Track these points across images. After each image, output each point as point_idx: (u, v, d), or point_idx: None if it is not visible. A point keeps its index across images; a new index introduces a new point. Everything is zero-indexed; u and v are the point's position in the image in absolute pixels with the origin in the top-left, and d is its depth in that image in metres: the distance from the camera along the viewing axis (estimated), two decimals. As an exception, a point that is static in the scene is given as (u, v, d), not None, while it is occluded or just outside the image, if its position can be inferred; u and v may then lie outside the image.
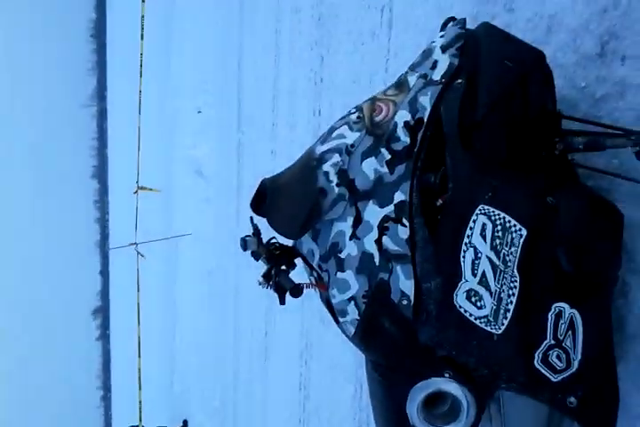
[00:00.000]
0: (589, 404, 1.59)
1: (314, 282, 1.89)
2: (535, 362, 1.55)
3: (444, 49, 1.80)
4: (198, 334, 9.61)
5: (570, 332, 1.55)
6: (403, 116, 1.74)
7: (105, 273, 23.70)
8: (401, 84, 1.84)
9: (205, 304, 9.36)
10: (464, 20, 1.89)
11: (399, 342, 1.76)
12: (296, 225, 1.76)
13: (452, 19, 1.93)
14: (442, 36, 1.86)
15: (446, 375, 1.73)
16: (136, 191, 10.09)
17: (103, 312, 24.78)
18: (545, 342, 1.54)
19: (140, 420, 9.37)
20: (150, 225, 11.01)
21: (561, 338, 1.54)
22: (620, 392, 1.63)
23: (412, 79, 1.81)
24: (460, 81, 1.74)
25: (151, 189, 9.92)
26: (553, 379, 1.56)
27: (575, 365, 1.56)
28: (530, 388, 1.60)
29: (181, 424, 10.55)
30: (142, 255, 10.73)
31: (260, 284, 1.85)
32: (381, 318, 1.74)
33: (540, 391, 1.59)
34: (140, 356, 9.45)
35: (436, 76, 1.76)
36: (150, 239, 10.59)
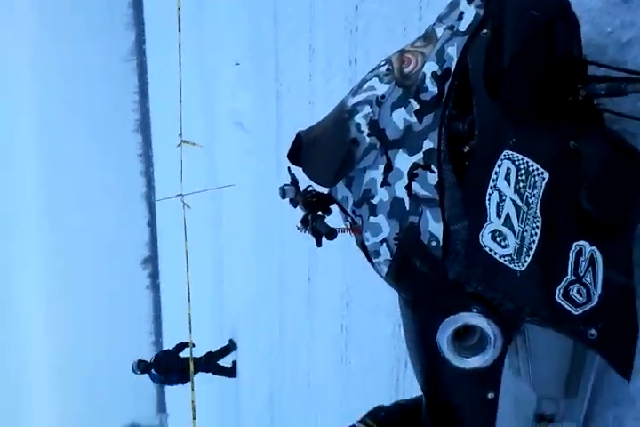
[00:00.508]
0: (609, 336, 1.70)
1: (348, 226, 2.02)
2: (556, 296, 1.66)
3: (469, 0, 1.85)
4: (245, 280, 9.93)
5: (590, 268, 1.65)
6: (431, 67, 1.82)
7: (152, 224, 24.32)
8: (429, 36, 1.90)
9: (251, 252, 9.65)
10: None
11: (429, 279, 1.89)
12: (330, 173, 1.88)
13: None
14: (467, -12, 1.90)
15: (474, 310, 1.86)
16: (180, 144, 10.30)
17: (152, 262, 25.59)
18: (566, 277, 1.65)
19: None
20: (194, 177, 11.27)
21: (581, 274, 1.65)
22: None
23: (440, 31, 1.88)
24: (485, 31, 1.79)
25: (194, 144, 10.11)
26: (574, 312, 1.67)
27: (595, 299, 1.67)
28: (552, 321, 1.72)
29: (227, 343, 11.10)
30: (188, 206, 11.01)
31: (298, 228, 1.99)
32: (412, 258, 1.87)
33: (562, 324, 1.71)
34: (189, 301, 9.86)
35: (463, 27, 1.82)
36: (195, 191, 10.85)
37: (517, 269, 1.67)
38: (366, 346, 4.64)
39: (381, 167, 1.85)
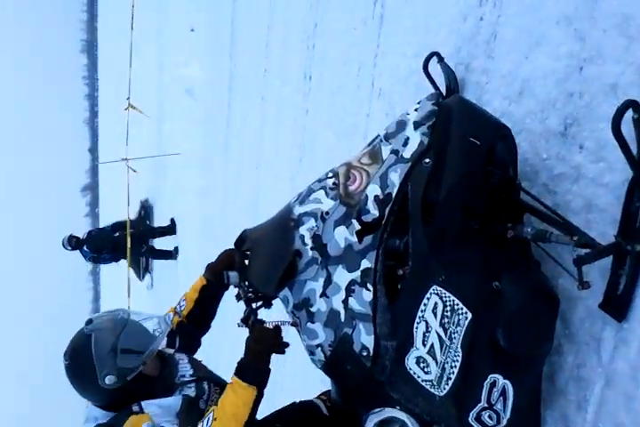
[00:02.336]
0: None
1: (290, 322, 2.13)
2: (469, 419, 1.82)
3: (416, 125, 1.92)
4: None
5: (501, 398, 1.81)
6: (373, 190, 1.90)
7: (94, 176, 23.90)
8: (375, 154, 1.98)
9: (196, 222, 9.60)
10: (438, 94, 2.00)
11: (359, 380, 2.03)
12: (272, 283, 1.98)
13: (435, 54, 2.01)
14: (416, 110, 1.97)
15: (397, 407, 2.03)
16: (127, 108, 10.07)
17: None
18: (479, 404, 1.81)
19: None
20: (140, 143, 11.09)
21: (493, 402, 1.81)
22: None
23: (386, 152, 1.95)
24: (427, 160, 1.88)
25: (141, 112, 9.88)
26: (483, 433, 1.84)
27: (504, 422, 1.84)
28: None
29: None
30: (134, 170, 10.87)
31: (238, 325, 2.08)
32: (344, 362, 2.00)
33: (472, 438, 1.88)
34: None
35: (407, 153, 1.90)
36: (140, 156, 10.70)
37: (437, 393, 1.82)
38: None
39: (321, 280, 1.96)
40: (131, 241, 9.30)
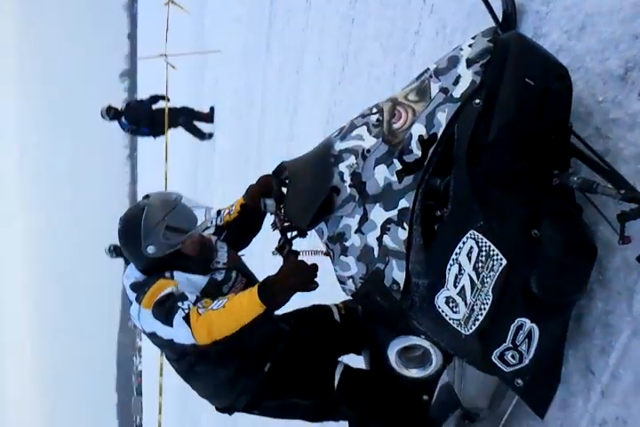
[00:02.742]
0: (533, 387, 1.94)
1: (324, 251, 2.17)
2: (493, 357, 1.87)
3: (469, 63, 1.85)
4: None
5: (526, 340, 1.85)
6: (418, 129, 1.86)
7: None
8: (423, 91, 1.92)
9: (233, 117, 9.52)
10: (495, 29, 1.90)
11: (387, 311, 2.09)
12: (308, 217, 2.00)
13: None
14: (470, 46, 1.88)
15: (422, 336, 2.11)
16: (167, 3, 9.76)
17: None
18: (504, 344, 1.85)
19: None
20: (180, 39, 10.82)
21: (518, 344, 1.85)
22: (562, 374, 1.99)
23: (434, 89, 1.89)
24: (478, 101, 1.82)
25: (182, 8, 9.57)
26: (505, 369, 1.90)
27: (526, 362, 1.89)
28: (485, 371, 1.96)
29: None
30: (173, 66, 10.73)
31: (273, 253, 2.13)
32: (374, 294, 2.05)
33: (494, 374, 1.95)
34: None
35: (457, 93, 1.84)
36: (180, 52, 10.51)
37: (463, 332, 1.86)
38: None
39: (357, 217, 1.97)
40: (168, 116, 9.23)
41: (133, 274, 2.30)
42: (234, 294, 2.11)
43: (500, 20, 2.42)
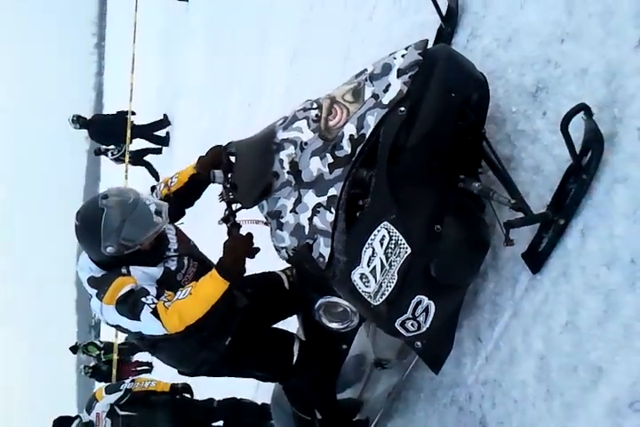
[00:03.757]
0: (429, 348, 2.31)
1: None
2: (395, 324, 2.22)
3: (399, 73, 2.09)
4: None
5: (424, 313, 2.19)
6: (350, 129, 2.12)
7: None
8: (358, 93, 2.16)
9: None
10: (426, 42, 2.12)
11: (314, 276, 2.43)
12: (250, 198, 2.29)
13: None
14: (403, 56, 2.11)
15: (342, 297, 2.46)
16: None
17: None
18: (405, 315, 2.19)
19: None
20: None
21: (417, 315, 2.20)
22: (458, 338, 2.38)
23: (368, 93, 2.13)
24: (402, 109, 2.07)
25: None
26: (406, 334, 2.26)
27: (424, 329, 2.25)
28: (391, 335, 2.32)
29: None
30: None
31: (219, 223, 2.42)
32: (303, 263, 2.38)
33: (398, 337, 2.32)
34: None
35: (385, 100, 2.09)
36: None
37: (372, 302, 2.20)
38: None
39: (292, 199, 2.26)
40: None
41: (88, 265, 2.42)
42: (188, 281, 2.36)
43: (445, 15, 2.63)
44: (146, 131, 11.54)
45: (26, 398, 24.33)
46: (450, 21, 2.67)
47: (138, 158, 11.58)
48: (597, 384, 1.75)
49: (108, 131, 10.88)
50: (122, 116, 10.94)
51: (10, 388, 24.45)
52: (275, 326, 2.87)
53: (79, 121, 10.83)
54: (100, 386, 4.44)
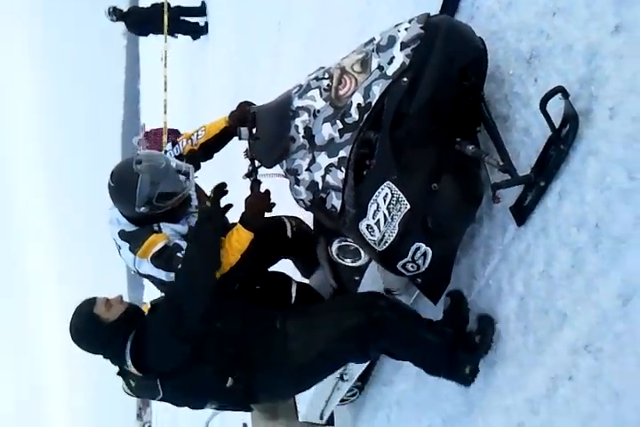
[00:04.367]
0: (428, 285, 2.67)
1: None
2: (397, 266, 2.56)
3: (402, 46, 2.29)
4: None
5: (422, 257, 2.51)
6: (357, 98, 2.36)
7: None
8: (365, 64, 2.38)
9: None
10: (427, 15, 2.28)
11: (328, 222, 2.75)
12: (271, 160, 2.59)
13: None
14: (406, 29, 2.29)
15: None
16: None
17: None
18: (405, 259, 2.52)
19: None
20: None
21: (416, 259, 2.53)
22: (456, 272, 2.71)
23: (374, 64, 2.35)
24: (405, 79, 2.29)
25: None
26: (407, 274, 2.61)
27: (423, 269, 2.59)
28: (394, 274, 2.67)
29: None
30: None
31: (243, 177, 2.72)
32: (318, 211, 2.70)
33: (399, 275, 2.66)
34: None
35: (390, 71, 2.30)
36: None
37: (377, 248, 2.54)
38: None
39: (307, 160, 2.54)
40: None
41: (119, 220, 2.72)
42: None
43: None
44: (184, 24, 11.63)
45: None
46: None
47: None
48: (562, 327, 2.08)
49: (145, 21, 11.05)
50: (158, 7, 11.01)
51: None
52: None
53: (115, 13, 10.98)
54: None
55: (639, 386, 1.78)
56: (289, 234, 3.18)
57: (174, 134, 10.42)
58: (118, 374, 2.66)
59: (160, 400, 2.67)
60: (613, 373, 1.87)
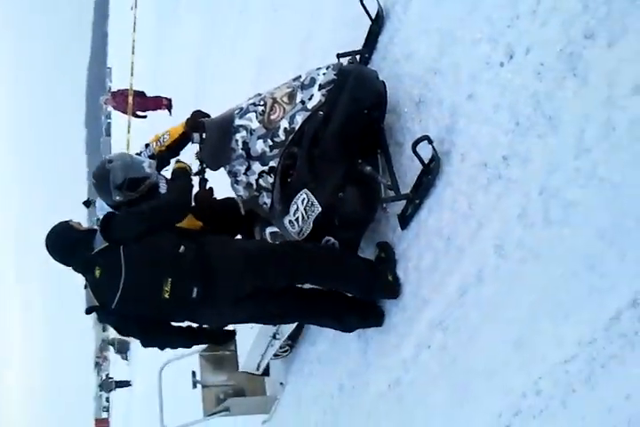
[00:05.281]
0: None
1: None
2: (313, 252, 3.30)
3: (320, 87, 2.96)
4: None
5: (332, 245, 3.26)
6: (284, 123, 3.04)
7: None
8: (292, 97, 3.04)
9: None
10: (340, 64, 2.95)
11: (262, 214, 3.46)
12: (215, 164, 3.25)
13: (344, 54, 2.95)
14: (324, 74, 2.96)
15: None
16: None
17: None
18: (318, 248, 3.27)
19: None
20: None
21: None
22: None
23: (298, 98, 3.02)
24: (321, 113, 2.97)
25: None
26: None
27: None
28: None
29: None
30: None
31: (193, 175, 3.39)
32: (253, 206, 3.41)
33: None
34: None
35: (310, 105, 2.98)
36: None
37: (297, 238, 3.25)
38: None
39: (245, 166, 3.22)
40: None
41: (104, 206, 3.47)
42: None
43: (373, 19, 3.41)
44: None
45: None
46: (378, 25, 3.45)
47: None
48: (427, 305, 2.86)
49: None
50: None
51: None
52: None
53: None
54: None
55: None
56: (242, 212, 3.79)
57: (140, 96, 10.87)
58: (85, 288, 3.00)
59: (117, 303, 2.92)
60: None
